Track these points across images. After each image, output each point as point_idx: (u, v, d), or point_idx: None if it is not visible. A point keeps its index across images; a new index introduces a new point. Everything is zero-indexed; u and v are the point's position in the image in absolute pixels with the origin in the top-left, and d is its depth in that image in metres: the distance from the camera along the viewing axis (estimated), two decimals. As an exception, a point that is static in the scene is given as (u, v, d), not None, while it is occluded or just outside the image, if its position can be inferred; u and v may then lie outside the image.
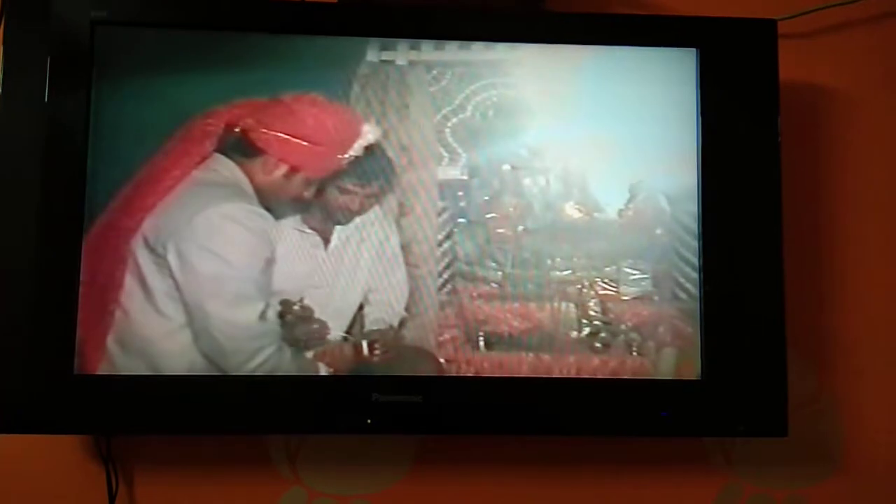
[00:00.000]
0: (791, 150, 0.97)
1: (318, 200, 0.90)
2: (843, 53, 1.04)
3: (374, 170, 0.90)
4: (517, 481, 0.96)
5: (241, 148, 0.89)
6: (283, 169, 0.89)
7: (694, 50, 0.92)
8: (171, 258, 0.86)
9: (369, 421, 0.86)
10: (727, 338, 0.89)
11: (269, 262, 0.88)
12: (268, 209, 0.89)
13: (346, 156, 0.90)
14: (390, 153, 0.90)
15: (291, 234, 0.89)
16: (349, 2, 0.94)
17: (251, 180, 0.89)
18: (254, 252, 0.87)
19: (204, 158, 0.88)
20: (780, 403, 0.89)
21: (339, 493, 0.95)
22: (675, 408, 0.89)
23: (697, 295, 0.90)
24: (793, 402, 0.90)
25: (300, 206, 0.90)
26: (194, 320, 0.86)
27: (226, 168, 0.88)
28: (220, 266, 0.86)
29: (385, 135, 0.90)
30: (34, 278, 0.84)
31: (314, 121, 0.89)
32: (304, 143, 0.89)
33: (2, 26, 0.89)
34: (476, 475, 0.96)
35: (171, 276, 0.86)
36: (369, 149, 0.90)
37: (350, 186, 0.90)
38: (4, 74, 0.86)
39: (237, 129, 0.88)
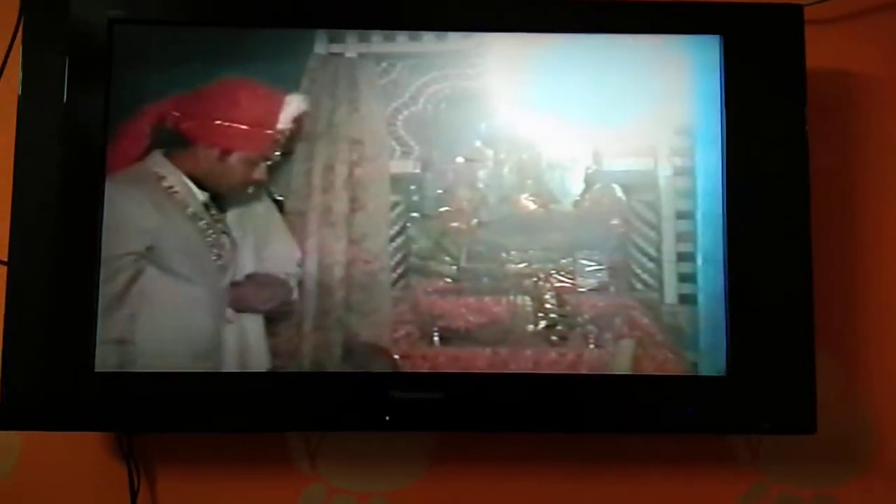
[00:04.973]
0: (819, 139, 0.94)
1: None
2: (870, 39, 1.01)
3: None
4: (539, 479, 0.95)
5: (174, 141, 0.89)
6: (214, 153, 0.89)
7: (718, 37, 0.90)
8: None
9: (388, 418, 0.85)
10: (753, 332, 0.87)
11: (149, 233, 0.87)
12: (219, 196, 0.89)
13: (275, 130, 0.89)
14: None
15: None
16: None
17: (186, 171, 0.89)
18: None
19: (142, 156, 0.89)
20: (808, 400, 0.87)
21: (358, 490, 0.95)
22: (700, 404, 0.87)
23: (654, 285, 0.89)
24: (821, 398, 0.87)
25: (256, 188, 0.89)
26: None
27: (156, 163, 0.89)
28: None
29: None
30: (53, 277, 0.85)
31: (228, 101, 0.89)
32: (228, 125, 0.89)
33: (20, 25, 0.89)
34: (496, 473, 0.95)
35: None
36: (298, 119, 0.89)
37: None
38: (23, 73, 0.87)
39: (167, 124, 0.89)
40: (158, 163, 0.89)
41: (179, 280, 0.87)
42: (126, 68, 0.88)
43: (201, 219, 0.89)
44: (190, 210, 0.89)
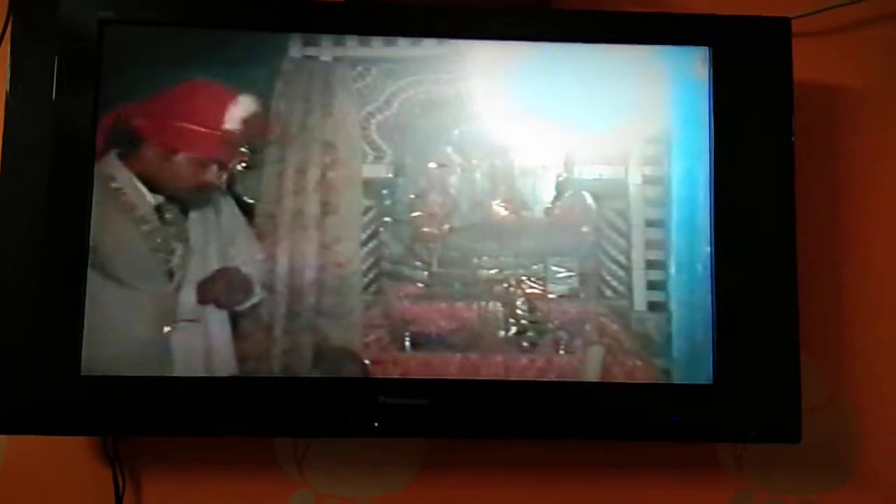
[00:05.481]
0: (805, 150, 0.96)
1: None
2: (857, 52, 1.03)
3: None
4: (526, 485, 0.95)
5: (129, 142, 0.88)
6: (162, 153, 0.88)
7: (706, 48, 0.91)
8: None
9: (376, 424, 0.85)
10: (739, 341, 0.88)
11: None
12: (175, 199, 0.88)
13: (222, 130, 0.89)
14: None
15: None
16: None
17: (137, 172, 0.88)
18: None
19: (100, 156, 0.88)
20: (793, 409, 0.87)
21: (346, 496, 0.95)
22: (687, 412, 0.88)
23: (624, 293, 0.89)
24: (806, 406, 0.88)
25: (219, 192, 0.89)
26: None
27: (109, 163, 0.88)
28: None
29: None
30: (40, 280, 0.84)
31: (186, 103, 0.89)
32: (179, 126, 0.89)
33: (9, 26, 0.89)
34: (484, 478, 0.95)
35: None
36: (248, 121, 0.89)
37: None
38: (12, 74, 0.86)
39: (123, 125, 0.88)
40: (111, 164, 0.88)
41: (119, 284, 0.86)
42: (113, 69, 0.88)
43: (148, 221, 0.87)
44: (138, 213, 0.87)
